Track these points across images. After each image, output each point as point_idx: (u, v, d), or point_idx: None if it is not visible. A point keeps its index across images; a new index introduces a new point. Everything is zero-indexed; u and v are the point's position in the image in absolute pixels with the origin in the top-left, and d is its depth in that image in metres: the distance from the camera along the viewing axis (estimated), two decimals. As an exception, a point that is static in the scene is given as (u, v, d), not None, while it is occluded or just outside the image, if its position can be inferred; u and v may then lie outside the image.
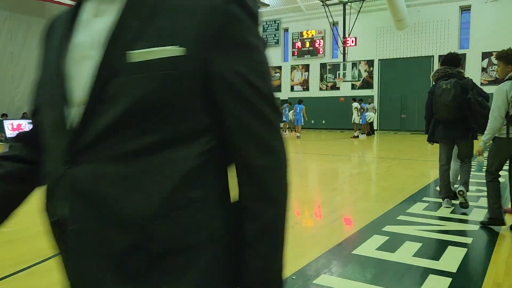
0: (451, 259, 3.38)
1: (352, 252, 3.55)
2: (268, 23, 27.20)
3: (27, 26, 17.43)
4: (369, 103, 20.85)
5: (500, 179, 4.35)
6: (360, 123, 19.11)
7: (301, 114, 18.10)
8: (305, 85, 26.40)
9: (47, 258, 3.41)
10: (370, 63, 23.97)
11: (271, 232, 0.77)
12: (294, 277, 3.02)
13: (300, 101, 18.59)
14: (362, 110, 18.93)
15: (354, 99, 19.68)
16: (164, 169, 0.72)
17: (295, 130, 20.32)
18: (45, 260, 3.36)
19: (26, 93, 17.76)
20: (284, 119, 20.74)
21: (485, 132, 4.14)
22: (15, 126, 16.48)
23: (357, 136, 18.67)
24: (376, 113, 23.57)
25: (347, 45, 21.47)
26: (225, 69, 0.73)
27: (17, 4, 17.07)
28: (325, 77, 24.60)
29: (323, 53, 25.40)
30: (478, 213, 4.85)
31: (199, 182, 0.75)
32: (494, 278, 3.03)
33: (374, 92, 23.96)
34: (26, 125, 16.82)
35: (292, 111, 20.84)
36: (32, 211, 4.97)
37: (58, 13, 0.89)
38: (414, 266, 3.25)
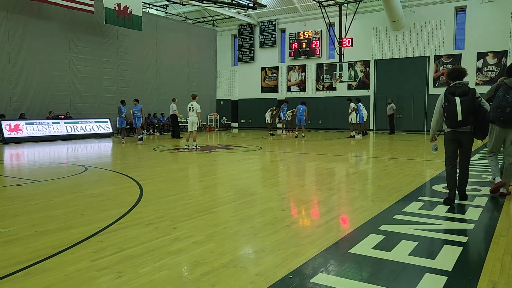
0: (447, 257, 3.41)
1: (349, 251, 3.57)
2: (265, 24, 27.23)
3: (25, 27, 17.35)
4: (389, 103, 20.79)
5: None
6: (358, 122, 19.15)
7: (303, 115, 18.01)
8: (302, 85, 26.45)
9: (45, 259, 3.41)
10: (366, 63, 24.04)
11: None
12: (291, 276, 3.04)
13: (303, 102, 18.47)
14: (357, 110, 18.94)
15: (349, 99, 19.63)
16: None
17: (293, 130, 20.35)
18: (42, 261, 3.37)
19: (23, 94, 17.68)
20: (282, 117, 20.78)
21: None
22: (12, 127, 16.42)
23: (353, 136, 18.71)
24: (373, 114, 23.71)
25: (344, 45, 21.52)
26: None
27: (14, 5, 16.99)
28: (321, 77, 24.64)
29: (319, 53, 25.45)
30: (474, 212, 4.89)
31: None
32: (489, 276, 3.06)
33: (370, 92, 24.03)
34: (23, 126, 16.77)
35: (290, 111, 20.82)
36: (29, 211, 4.99)
37: None
38: (410, 265, 3.27)
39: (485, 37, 20.51)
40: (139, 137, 17.33)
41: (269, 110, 21.27)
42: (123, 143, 16.21)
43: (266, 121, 21.05)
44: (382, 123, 23.14)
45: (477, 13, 20.82)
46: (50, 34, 18.26)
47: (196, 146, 13.34)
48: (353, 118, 18.72)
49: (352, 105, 18.77)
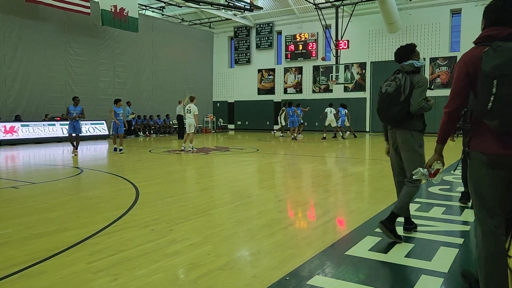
0: (443, 259, 3.41)
1: (345, 253, 3.57)
2: (261, 26, 27.25)
3: (20, 29, 17.28)
4: None
5: None
6: (339, 125, 19.38)
7: (295, 116, 18.39)
8: (298, 87, 26.47)
9: (40, 261, 3.39)
10: (362, 65, 24.10)
11: None
12: (287, 278, 3.04)
13: (290, 103, 19.02)
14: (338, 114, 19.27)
15: (330, 104, 19.94)
16: None
17: (289, 132, 20.27)
18: (37, 263, 3.35)
19: (19, 96, 17.60)
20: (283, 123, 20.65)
21: None
22: (7, 129, 16.34)
23: (325, 138, 18.88)
24: (369, 115, 23.81)
25: (340, 47, 21.57)
26: None
27: (10, 6, 16.93)
28: (318, 79, 24.68)
29: (316, 55, 25.49)
30: (470, 214, 4.90)
31: None
32: (485, 277, 3.06)
33: (366, 94, 24.08)
34: (19, 128, 16.69)
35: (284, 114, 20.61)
36: (24, 214, 4.96)
37: None
38: (406, 267, 3.28)
39: (480, 40, 20.59)
40: (115, 146, 13.20)
41: (282, 111, 20.83)
42: (73, 155, 12.17)
43: (280, 124, 20.75)
44: (379, 125, 23.17)
45: (472, 15, 20.92)
46: (46, 35, 18.20)
47: (192, 148, 13.31)
48: (333, 121, 18.98)
49: (330, 109, 19.12)
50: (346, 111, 19.53)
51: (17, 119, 17.19)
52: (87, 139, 19.01)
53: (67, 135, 12.88)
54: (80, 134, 12.66)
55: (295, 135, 19.04)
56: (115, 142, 13.37)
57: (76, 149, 12.48)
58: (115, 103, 13.26)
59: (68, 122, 12.61)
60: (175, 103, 19.27)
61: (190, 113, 13.23)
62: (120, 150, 12.97)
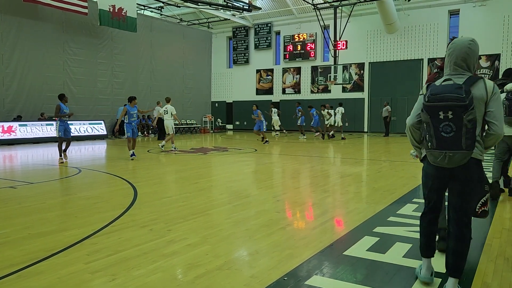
0: (441, 259, 3.41)
1: (343, 253, 3.57)
2: (260, 26, 27.26)
3: (18, 28, 17.25)
4: (385, 106, 21.02)
5: None
6: (317, 125, 19.67)
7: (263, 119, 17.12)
8: (296, 87, 26.49)
9: (38, 261, 3.39)
10: (360, 66, 24.13)
11: None
12: (285, 278, 3.04)
13: (255, 105, 17.93)
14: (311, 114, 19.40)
15: (310, 106, 20.14)
16: None
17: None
18: (35, 263, 3.34)
19: (17, 96, 17.55)
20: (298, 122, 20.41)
21: None
22: (5, 129, 16.30)
23: (344, 138, 18.95)
24: (367, 116, 23.84)
25: (338, 48, 21.59)
26: None
27: (8, 5, 16.90)
28: (316, 80, 24.69)
29: (314, 56, 25.51)
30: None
31: None
32: (483, 278, 3.08)
33: (364, 95, 24.12)
34: (17, 128, 16.64)
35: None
36: (22, 214, 4.94)
37: None
38: (404, 267, 3.29)
39: (478, 40, 20.05)
40: (132, 151, 11.12)
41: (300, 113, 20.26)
42: (61, 162, 10.41)
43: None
44: (377, 125, 23.23)
45: (470, 16, 20.98)
46: (44, 35, 18.17)
47: (175, 148, 13.34)
48: (331, 120, 19.18)
49: (330, 111, 19.27)
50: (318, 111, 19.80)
51: (16, 119, 17.13)
52: (85, 139, 18.99)
53: (58, 138, 11.02)
54: (70, 137, 11.16)
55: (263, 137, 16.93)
56: (130, 147, 11.11)
57: (65, 152, 10.87)
58: (129, 101, 11.15)
59: (52, 123, 10.19)
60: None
61: (167, 114, 13.27)
62: (133, 155, 10.98)
